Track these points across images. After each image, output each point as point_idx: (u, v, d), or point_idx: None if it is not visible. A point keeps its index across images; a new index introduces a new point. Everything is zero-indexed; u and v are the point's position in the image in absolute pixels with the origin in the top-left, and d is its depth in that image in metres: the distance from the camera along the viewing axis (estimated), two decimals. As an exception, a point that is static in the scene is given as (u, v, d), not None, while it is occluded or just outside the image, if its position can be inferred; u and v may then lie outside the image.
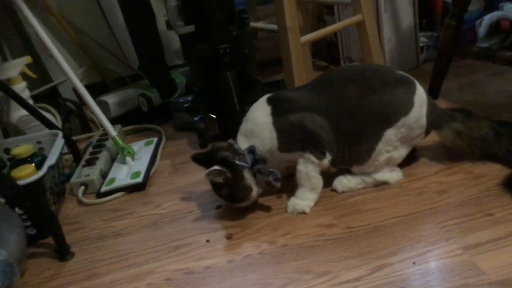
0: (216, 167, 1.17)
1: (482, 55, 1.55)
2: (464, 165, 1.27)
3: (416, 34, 2.03)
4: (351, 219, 1.16)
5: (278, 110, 1.22)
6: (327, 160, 1.21)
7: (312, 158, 1.19)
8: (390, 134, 1.19)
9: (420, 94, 1.21)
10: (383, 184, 1.26)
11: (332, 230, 1.13)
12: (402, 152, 1.24)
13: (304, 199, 1.23)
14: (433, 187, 1.22)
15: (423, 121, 1.22)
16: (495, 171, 1.21)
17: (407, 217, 1.12)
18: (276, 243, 1.13)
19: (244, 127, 1.27)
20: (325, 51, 2.35)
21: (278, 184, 1.21)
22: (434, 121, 1.24)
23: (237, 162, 1.19)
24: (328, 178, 1.28)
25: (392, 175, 1.26)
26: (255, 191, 1.22)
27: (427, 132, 1.24)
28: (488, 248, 0.98)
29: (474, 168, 1.25)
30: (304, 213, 1.22)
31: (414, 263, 0.98)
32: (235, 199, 1.23)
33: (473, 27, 1.83)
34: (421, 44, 2.08)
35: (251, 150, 1.21)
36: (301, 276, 1.01)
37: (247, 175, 1.20)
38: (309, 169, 1.21)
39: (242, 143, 1.24)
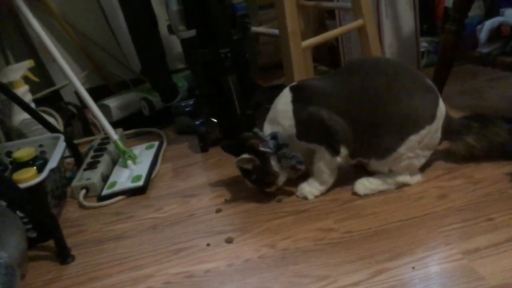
0: (245, 155, 1.25)
1: (483, 60, 1.55)
2: (464, 170, 1.27)
3: (417, 39, 2.03)
4: (351, 223, 1.16)
5: (298, 98, 1.25)
6: (342, 156, 1.23)
7: (327, 154, 1.22)
8: (413, 140, 1.19)
9: (442, 107, 1.22)
10: (404, 186, 1.26)
11: (332, 234, 1.13)
12: (422, 160, 1.24)
13: (311, 187, 1.29)
14: (433, 191, 1.22)
15: (439, 134, 1.22)
16: (495, 176, 1.22)
17: (406, 221, 1.13)
18: (276, 247, 1.13)
19: (269, 114, 1.31)
20: (326, 56, 2.35)
21: (302, 167, 1.25)
22: (448, 134, 1.24)
23: (261, 148, 1.24)
24: (341, 180, 1.30)
25: (413, 177, 1.26)
26: (281, 176, 1.28)
27: (439, 143, 1.25)
28: (487, 253, 0.98)
29: (474, 173, 1.25)
30: (306, 199, 1.28)
31: (413, 267, 0.98)
32: (263, 184, 1.30)
33: (473, 33, 1.83)
34: (422, 49, 2.08)
35: (274, 136, 1.26)
36: (301, 280, 1.01)
37: (273, 162, 1.26)
38: (322, 163, 1.25)
39: (267, 130, 1.29)
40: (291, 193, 1.33)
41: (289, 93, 1.27)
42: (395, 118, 1.19)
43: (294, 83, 1.32)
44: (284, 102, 1.27)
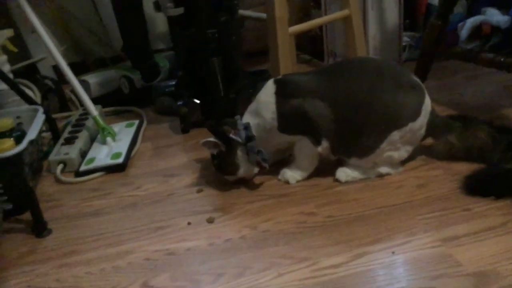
0: (211, 138, 1.25)
1: (465, 56, 1.58)
2: (443, 162, 1.30)
3: (400, 33, 2.06)
4: (332, 208, 1.17)
5: (282, 91, 1.25)
6: (322, 148, 1.23)
7: (309, 143, 1.23)
8: (395, 135, 1.20)
9: (427, 104, 1.23)
10: (385, 175, 1.27)
11: (314, 218, 1.15)
12: (402, 154, 1.25)
13: (293, 172, 1.30)
14: (413, 181, 1.24)
15: (423, 130, 1.24)
16: (473, 167, 1.24)
17: (387, 208, 1.15)
18: (257, 229, 1.13)
19: (252, 105, 1.30)
20: (309, 45, 2.36)
21: (267, 165, 1.25)
22: (431, 131, 1.26)
23: (232, 136, 1.24)
24: (322, 167, 1.30)
25: (394, 169, 1.28)
26: (242, 169, 1.27)
27: (423, 139, 1.27)
28: (465, 241, 1.01)
29: (453, 165, 1.28)
30: (288, 183, 1.29)
31: (393, 252, 1.00)
32: (223, 171, 1.30)
33: (455, 30, 1.87)
34: (403, 44, 2.11)
35: (246, 126, 1.25)
36: (282, 261, 1.02)
37: (240, 152, 1.25)
38: (303, 151, 1.26)
39: (246, 120, 1.28)
40: (272, 177, 1.33)
41: (273, 85, 1.26)
42: (378, 118, 1.20)
43: (278, 77, 1.32)
44: (267, 94, 1.26)
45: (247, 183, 1.32)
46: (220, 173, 1.31)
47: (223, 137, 1.25)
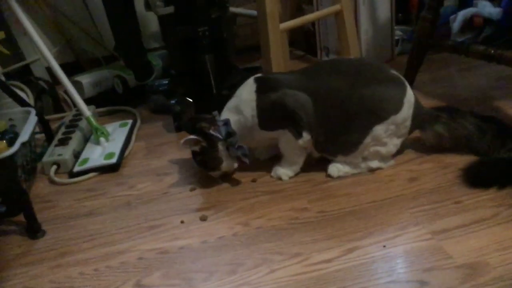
0: (192, 136, 1.24)
1: (457, 48, 1.58)
2: (434, 155, 1.30)
3: (392, 27, 2.06)
4: (324, 203, 1.18)
5: (262, 88, 1.25)
6: (303, 140, 1.23)
7: (291, 136, 1.23)
8: (379, 130, 1.21)
9: (410, 96, 1.23)
10: (377, 169, 1.28)
11: (306, 213, 1.15)
12: (390, 148, 1.25)
13: (284, 168, 1.31)
14: (404, 174, 1.25)
15: (409, 122, 1.24)
16: (464, 160, 1.25)
17: (378, 202, 1.15)
18: (249, 225, 1.14)
19: (231, 102, 1.30)
20: (302, 41, 2.36)
21: (247, 160, 1.26)
22: (418, 123, 1.26)
23: (211, 132, 1.24)
24: (314, 163, 1.31)
25: (386, 163, 1.28)
26: (225, 163, 1.28)
27: (410, 132, 1.27)
28: (455, 233, 1.01)
29: (444, 157, 1.29)
30: (281, 179, 1.30)
31: (384, 246, 1.00)
32: (207, 166, 1.30)
33: (447, 22, 1.88)
34: (396, 37, 2.11)
35: (226, 122, 1.26)
36: (274, 257, 1.02)
37: (221, 147, 1.26)
38: (288, 145, 1.26)
39: (226, 116, 1.28)
40: (265, 174, 1.33)
41: (253, 83, 1.27)
42: (359, 114, 1.20)
43: (259, 75, 1.32)
44: (248, 92, 1.26)
45: (239, 181, 1.32)
46: (204, 169, 1.31)
47: (202, 134, 1.25)
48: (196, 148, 1.27)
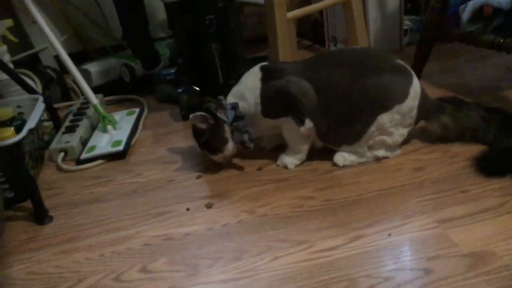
0: (201, 112, 1.23)
1: (466, 38, 1.57)
2: (441, 145, 1.30)
3: (401, 17, 2.04)
4: (330, 192, 1.18)
5: (267, 77, 1.25)
6: (306, 128, 1.23)
7: (293, 123, 1.23)
8: (384, 118, 1.20)
9: (416, 86, 1.22)
10: (383, 159, 1.27)
11: (311, 202, 1.15)
12: (396, 138, 1.25)
13: (290, 157, 1.30)
14: (411, 164, 1.24)
15: (415, 112, 1.23)
16: (471, 150, 1.24)
17: (384, 191, 1.15)
18: (255, 213, 1.14)
19: (235, 89, 1.31)
20: (310, 31, 2.35)
21: (252, 145, 1.26)
22: (424, 113, 1.25)
23: (218, 114, 1.24)
24: (320, 152, 1.31)
25: (392, 152, 1.28)
26: (230, 145, 1.28)
27: (416, 122, 1.26)
28: (461, 222, 1.01)
29: (451, 147, 1.28)
30: (287, 168, 1.30)
31: (389, 234, 1.00)
32: (210, 148, 1.29)
33: (456, 12, 1.85)
34: (405, 27, 2.10)
35: (234, 106, 1.26)
36: (279, 244, 1.02)
37: (227, 129, 1.26)
38: (291, 133, 1.27)
39: (230, 101, 1.28)
40: (271, 162, 1.33)
41: (259, 71, 1.27)
42: (364, 103, 1.20)
43: (265, 63, 1.32)
44: (253, 80, 1.27)
45: (244, 169, 1.32)
46: (207, 152, 1.30)
47: (209, 113, 1.25)
48: (204, 126, 1.25)
